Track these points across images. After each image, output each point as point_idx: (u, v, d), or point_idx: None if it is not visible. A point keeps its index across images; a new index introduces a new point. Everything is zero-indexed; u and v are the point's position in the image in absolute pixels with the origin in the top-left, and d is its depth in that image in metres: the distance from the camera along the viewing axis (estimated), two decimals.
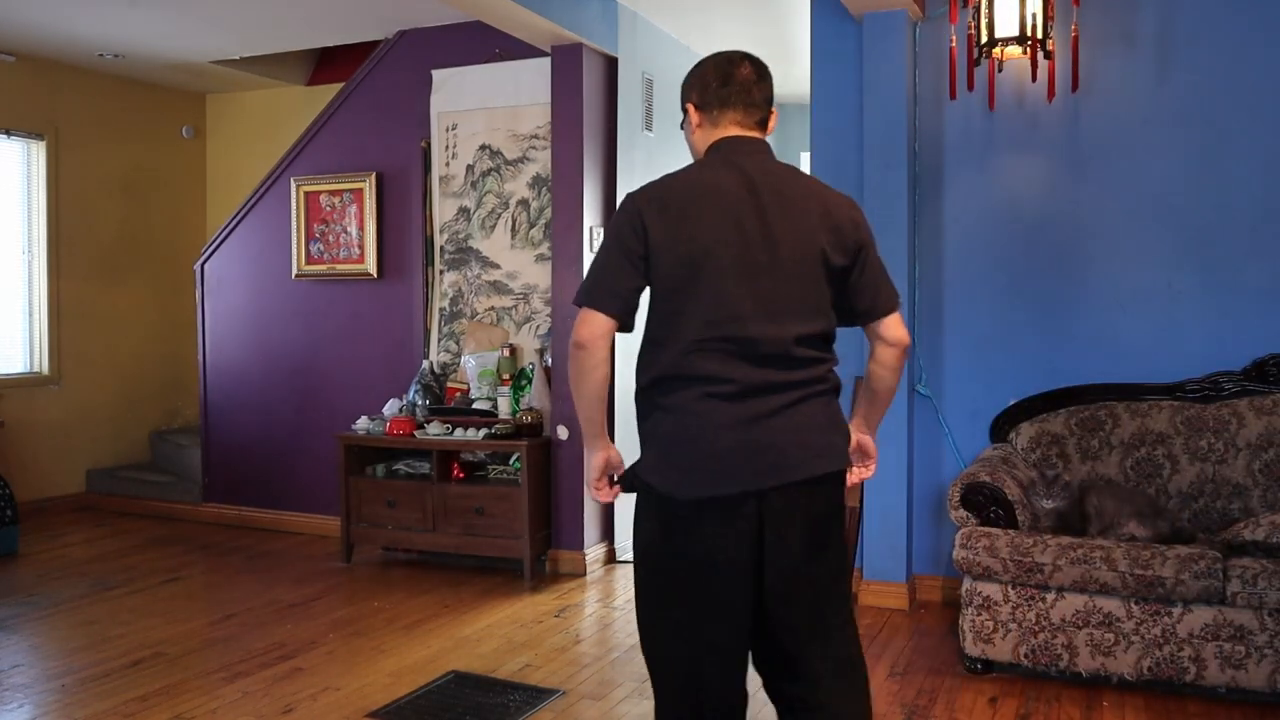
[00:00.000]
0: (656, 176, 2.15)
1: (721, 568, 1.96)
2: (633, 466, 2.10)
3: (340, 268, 5.71)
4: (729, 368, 1.96)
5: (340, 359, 5.75)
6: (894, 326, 2.12)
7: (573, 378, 2.07)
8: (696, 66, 2.15)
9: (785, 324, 1.98)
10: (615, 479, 2.18)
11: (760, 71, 2.12)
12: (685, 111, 2.16)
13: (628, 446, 2.26)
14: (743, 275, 1.97)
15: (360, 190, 5.63)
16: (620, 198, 5.03)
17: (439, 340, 5.42)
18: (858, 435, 2.27)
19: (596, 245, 4.70)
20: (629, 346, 2.28)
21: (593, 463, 2.14)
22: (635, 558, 2.12)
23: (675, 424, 1.99)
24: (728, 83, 2.09)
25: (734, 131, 2.09)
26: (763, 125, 2.12)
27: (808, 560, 2.01)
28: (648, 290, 2.04)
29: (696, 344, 1.96)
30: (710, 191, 2.01)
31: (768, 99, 2.12)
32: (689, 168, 2.10)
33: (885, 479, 4.31)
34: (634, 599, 2.15)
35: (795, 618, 2.03)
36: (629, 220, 2.01)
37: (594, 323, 1.99)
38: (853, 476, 2.27)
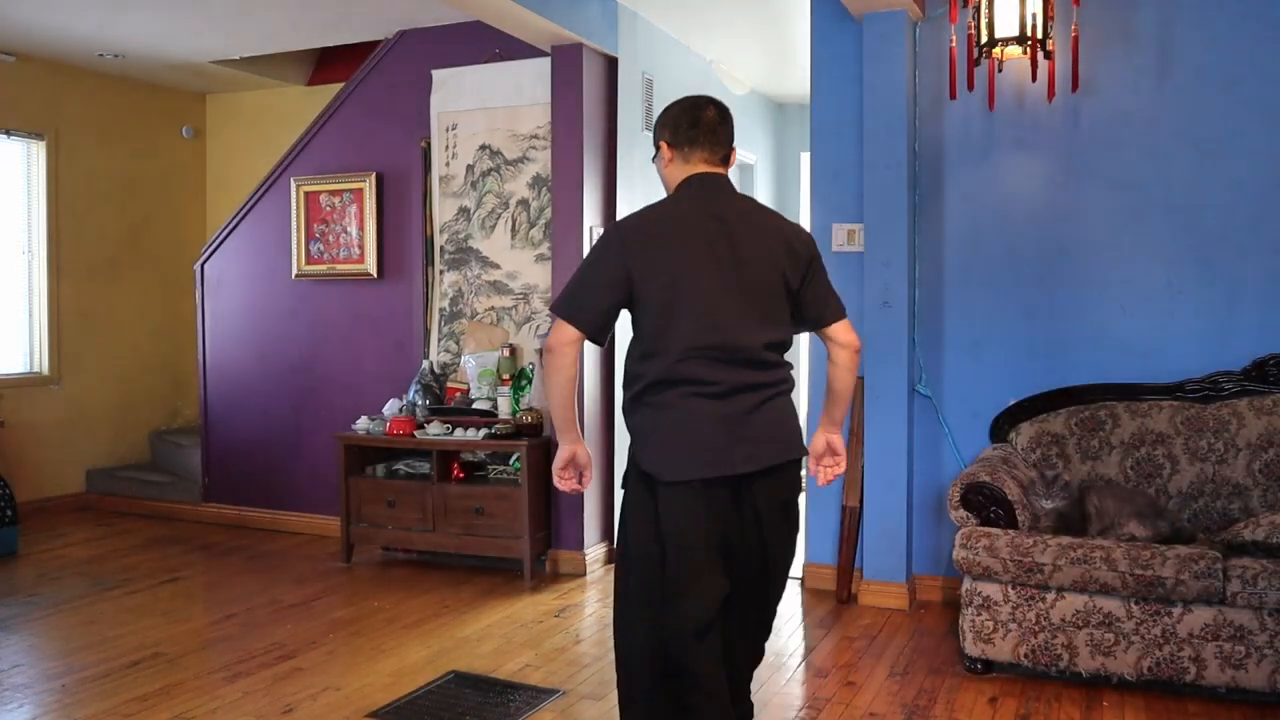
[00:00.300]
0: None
1: (704, 537, 2.30)
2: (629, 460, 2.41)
3: (340, 268, 5.71)
4: (715, 371, 2.30)
5: (340, 359, 5.75)
6: (844, 331, 2.48)
7: (545, 378, 2.40)
8: (666, 110, 2.50)
9: (756, 333, 2.34)
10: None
11: (723, 114, 2.47)
12: (658, 148, 2.49)
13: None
14: (721, 293, 2.32)
15: (360, 190, 5.63)
16: (620, 197, 5.04)
17: (439, 340, 5.42)
18: (825, 435, 2.56)
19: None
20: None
21: (560, 454, 2.46)
22: (626, 533, 2.42)
23: (668, 419, 2.32)
24: (696, 124, 2.43)
25: (702, 168, 2.44)
26: (725, 162, 2.47)
27: (775, 531, 2.39)
28: (637, 309, 2.35)
29: (687, 352, 2.29)
30: (688, 222, 2.36)
31: (729, 138, 2.47)
32: (667, 201, 2.45)
33: (885, 479, 4.31)
34: (617, 574, 2.47)
35: (756, 579, 2.41)
36: (614, 249, 2.34)
37: (564, 332, 2.33)
38: (824, 475, 2.59)
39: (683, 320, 2.30)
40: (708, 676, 2.31)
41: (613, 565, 5.02)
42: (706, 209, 2.38)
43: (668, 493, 2.31)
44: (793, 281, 2.38)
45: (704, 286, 2.31)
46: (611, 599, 4.49)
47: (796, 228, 2.48)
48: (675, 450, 2.30)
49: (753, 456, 2.31)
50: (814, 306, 2.44)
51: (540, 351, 5.11)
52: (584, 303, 2.33)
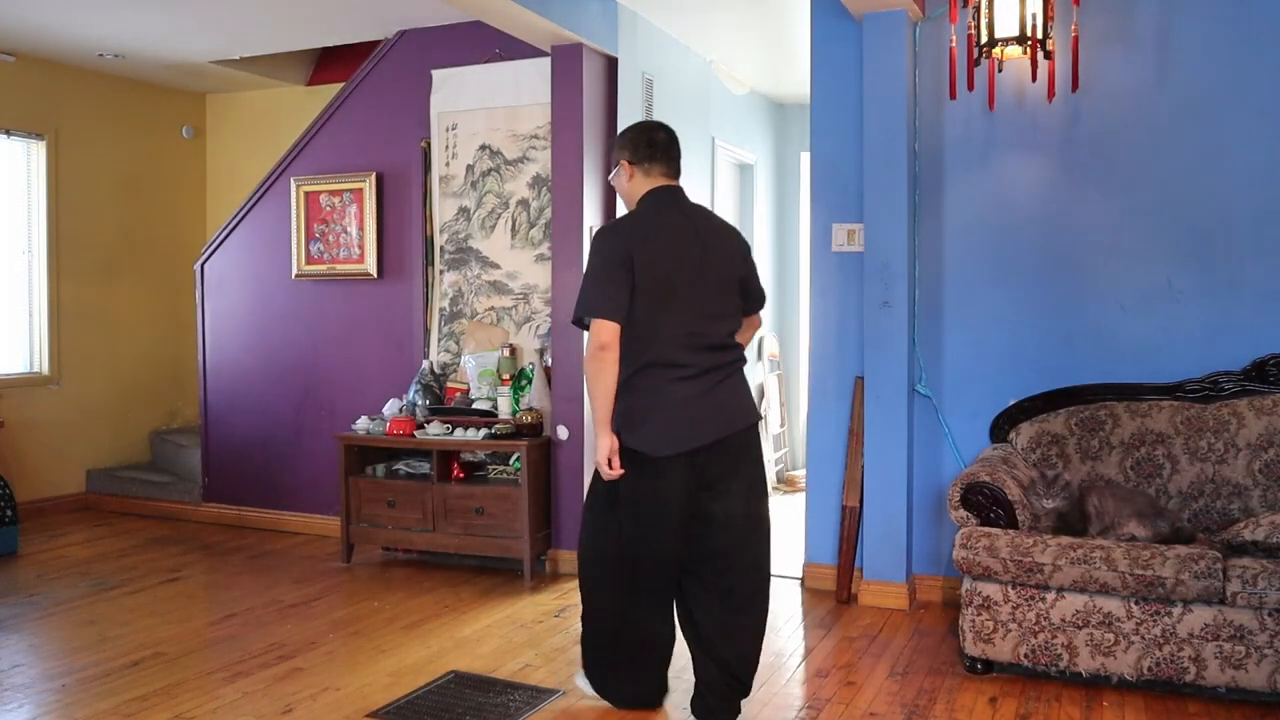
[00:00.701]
0: None
1: (679, 494, 2.79)
2: (620, 438, 2.81)
3: (340, 268, 5.71)
4: (692, 356, 2.78)
5: (340, 359, 5.75)
6: (760, 315, 3.13)
7: (594, 375, 2.75)
8: (622, 134, 3.00)
9: (721, 322, 2.86)
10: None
11: (671, 137, 2.98)
12: (618, 165, 2.96)
13: None
14: (696, 288, 2.79)
15: (360, 190, 5.63)
16: (620, 197, 5.04)
17: (439, 340, 5.42)
18: None
19: None
20: None
21: (603, 445, 2.79)
22: (616, 492, 2.82)
23: (652, 405, 2.77)
24: (654, 144, 2.93)
25: (663, 181, 2.94)
26: (678, 175, 2.98)
27: (740, 480, 2.88)
28: (631, 298, 2.75)
29: (670, 338, 2.76)
30: (667, 227, 2.84)
31: (680, 155, 3.00)
32: (645, 210, 2.90)
33: (885, 479, 4.31)
34: (593, 521, 2.93)
35: (732, 517, 2.86)
36: (619, 248, 2.75)
37: (609, 329, 2.72)
38: None
39: (667, 309, 2.74)
40: (645, 623, 2.87)
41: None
42: (679, 217, 2.86)
43: (651, 466, 2.75)
44: (742, 274, 2.93)
45: (684, 281, 2.76)
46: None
47: (736, 229, 3.04)
48: (658, 430, 2.75)
49: (724, 424, 2.81)
50: (751, 295, 2.99)
51: (540, 352, 5.11)
52: (611, 299, 2.71)
